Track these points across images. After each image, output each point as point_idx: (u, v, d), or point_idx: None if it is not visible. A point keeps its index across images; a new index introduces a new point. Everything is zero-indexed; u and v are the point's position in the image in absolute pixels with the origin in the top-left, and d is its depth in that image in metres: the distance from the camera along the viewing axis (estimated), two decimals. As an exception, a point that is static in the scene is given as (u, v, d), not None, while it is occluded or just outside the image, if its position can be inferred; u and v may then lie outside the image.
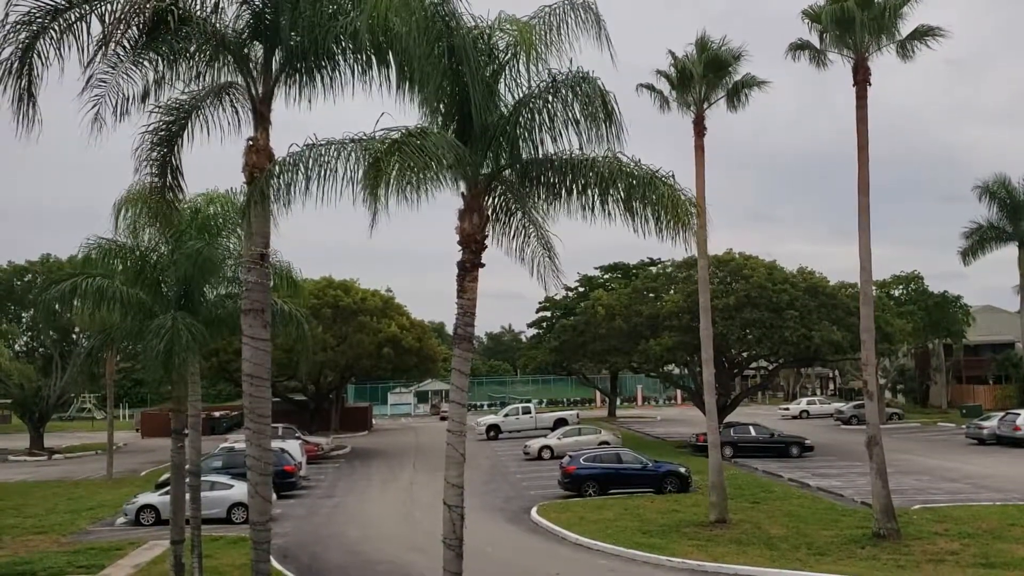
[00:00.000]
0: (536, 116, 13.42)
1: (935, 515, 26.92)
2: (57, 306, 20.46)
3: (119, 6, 12.45)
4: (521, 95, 13.64)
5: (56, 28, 12.41)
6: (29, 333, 59.84)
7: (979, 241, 54.46)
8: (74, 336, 55.77)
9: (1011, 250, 54.37)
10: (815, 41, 26.14)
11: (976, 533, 24.02)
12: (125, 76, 13.55)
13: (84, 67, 12.71)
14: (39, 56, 12.41)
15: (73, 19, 12.49)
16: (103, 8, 12.51)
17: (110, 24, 12.39)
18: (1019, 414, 47.10)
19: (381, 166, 11.77)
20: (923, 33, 25.21)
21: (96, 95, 13.39)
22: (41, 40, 12.37)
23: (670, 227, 13.25)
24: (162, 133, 15.06)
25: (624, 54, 12.56)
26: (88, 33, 12.54)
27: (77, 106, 13.19)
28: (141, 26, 12.75)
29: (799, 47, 26.33)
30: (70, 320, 43.25)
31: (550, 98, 13.24)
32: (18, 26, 12.31)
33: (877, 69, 25.34)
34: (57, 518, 31.02)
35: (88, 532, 28.74)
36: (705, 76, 28.32)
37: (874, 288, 31.73)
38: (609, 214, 13.63)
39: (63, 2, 12.45)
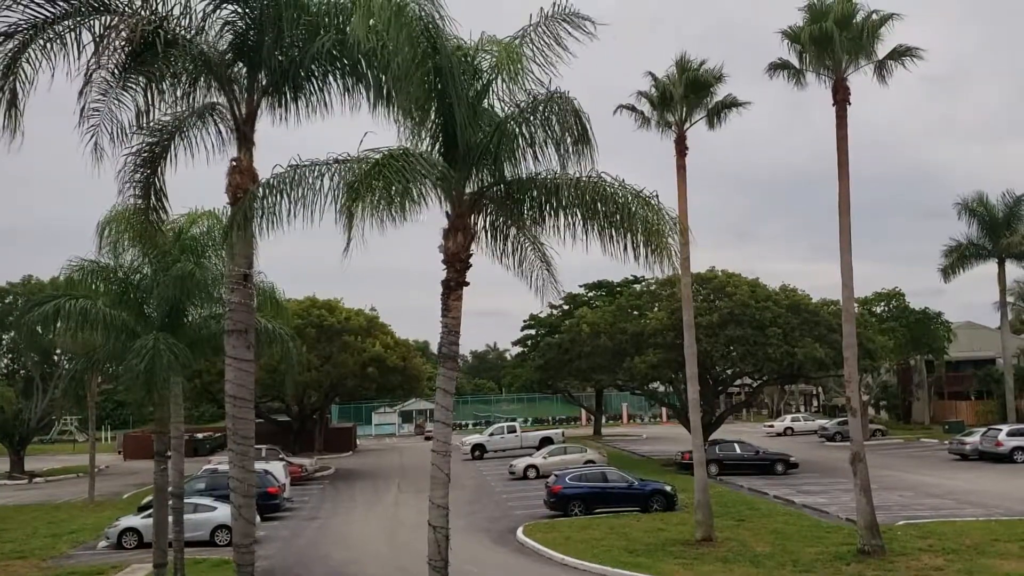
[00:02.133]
0: (519, 135, 13.51)
1: (919, 531, 27.01)
2: (39, 328, 20.37)
3: (108, 20, 12.49)
4: (504, 115, 13.74)
5: (42, 42, 12.41)
6: (10, 355, 59.34)
7: (959, 258, 55.07)
8: (55, 358, 55.34)
9: (991, 267, 55.04)
10: (794, 61, 26.39)
11: (960, 549, 24.10)
12: (117, 102, 13.56)
13: (78, 96, 12.74)
14: (29, 62, 12.41)
15: (62, 31, 12.49)
16: (92, 23, 12.55)
17: (100, 37, 12.42)
18: (1001, 429, 47.35)
19: (360, 188, 11.81)
20: (901, 53, 25.49)
21: (92, 125, 13.40)
22: (28, 52, 12.37)
23: (652, 252, 13.35)
24: (145, 154, 15.07)
25: (607, 78, 12.69)
26: (79, 46, 12.55)
27: (53, 126, 13.24)
28: (128, 48, 12.79)
29: (778, 67, 26.54)
30: (51, 342, 42.95)
31: (531, 117, 13.35)
32: (2, 38, 12.32)
33: (856, 86, 25.64)
34: (38, 542, 30.66)
35: (69, 556, 28.41)
36: (686, 97, 28.56)
37: (856, 305, 31.91)
38: (592, 236, 13.72)
39: (48, 15, 12.45)
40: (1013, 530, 26.62)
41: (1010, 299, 61.49)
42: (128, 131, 13.98)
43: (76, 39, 12.55)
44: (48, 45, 12.47)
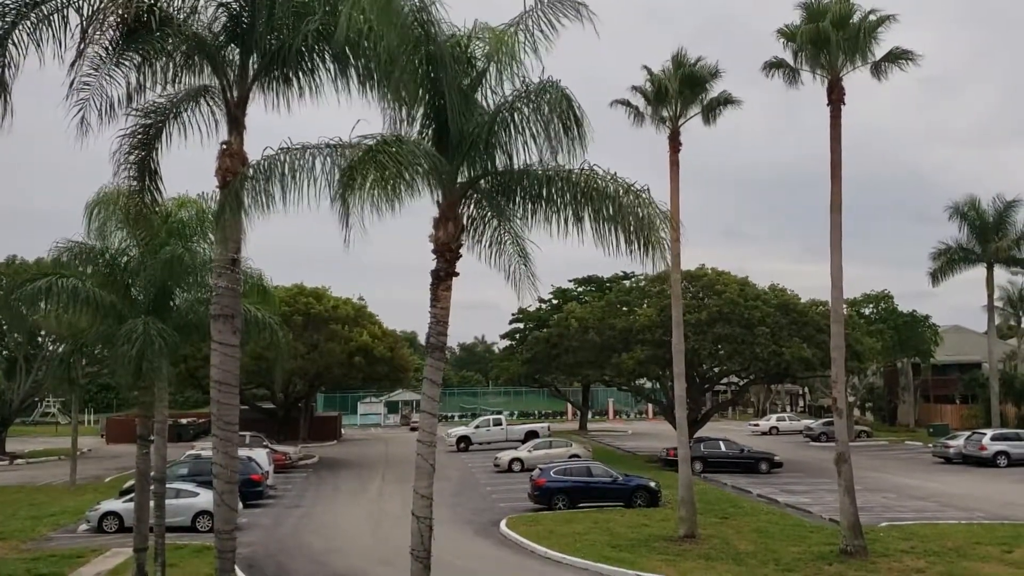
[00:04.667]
0: (511, 125, 13.40)
1: (902, 533, 27.11)
2: (24, 309, 20.17)
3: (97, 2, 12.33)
4: (497, 103, 13.63)
5: (32, 20, 12.23)
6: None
7: (948, 262, 55.25)
8: (39, 339, 54.96)
9: (979, 271, 55.23)
10: (790, 60, 26.36)
11: (942, 551, 24.20)
12: (108, 78, 13.41)
13: (68, 68, 12.57)
14: (15, 45, 12.23)
15: (50, 11, 12.31)
16: (81, 2, 12.37)
17: (89, 18, 12.26)
18: (985, 434, 47.62)
19: (355, 174, 11.70)
20: (897, 56, 25.48)
21: (81, 99, 13.24)
22: (17, 31, 12.19)
23: (643, 247, 13.28)
24: (140, 136, 14.92)
25: (601, 71, 12.61)
26: (67, 24, 12.38)
27: (38, 108, 13.09)
28: (121, 26, 12.64)
29: (774, 65, 26.51)
30: (34, 322, 42.65)
31: (523, 107, 13.23)
32: None
33: (850, 88, 25.64)
34: (17, 524, 30.46)
35: (49, 539, 28.25)
36: (681, 92, 28.46)
37: (845, 306, 31.97)
38: (583, 230, 13.65)
39: None
40: (994, 534, 26.76)
41: (998, 304, 61.72)
42: (118, 108, 13.83)
43: (64, 19, 12.37)
44: (39, 25, 12.29)
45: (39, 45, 12.28)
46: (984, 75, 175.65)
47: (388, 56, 12.26)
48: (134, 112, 14.43)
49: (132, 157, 15.00)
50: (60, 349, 46.67)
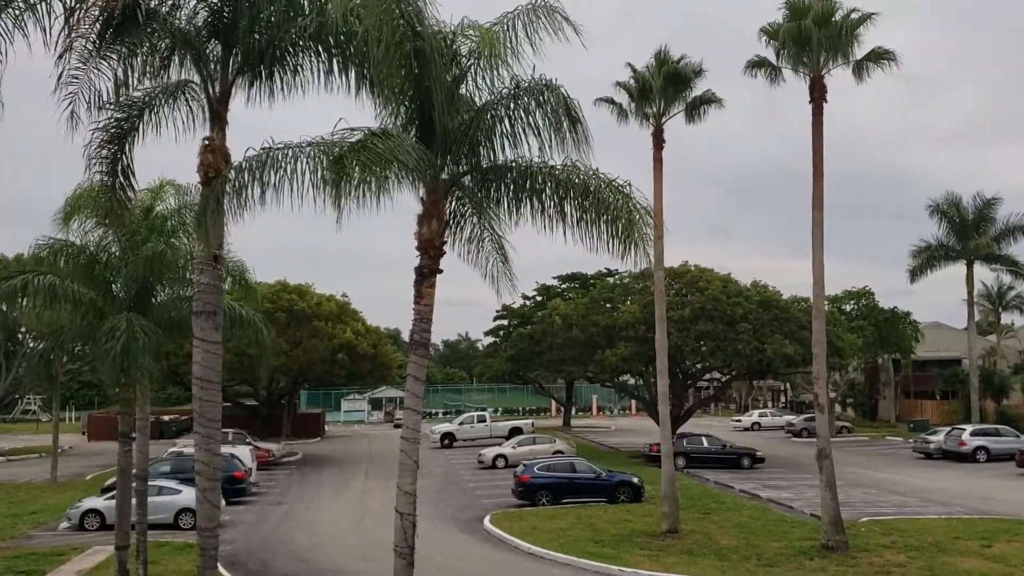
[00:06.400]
0: (498, 122, 13.40)
1: (882, 528, 27.31)
2: (4, 305, 19.97)
3: None
4: (483, 101, 13.62)
5: (17, 7, 12.07)
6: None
7: (928, 259, 55.63)
8: (19, 336, 54.47)
9: (959, 268, 55.63)
10: (772, 58, 26.50)
11: (922, 546, 24.40)
12: (96, 72, 13.27)
13: (56, 60, 12.44)
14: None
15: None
16: None
17: (72, 8, 12.13)
18: (964, 429, 48.04)
19: (345, 163, 11.67)
20: (878, 55, 25.66)
21: (70, 93, 13.09)
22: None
23: (625, 241, 13.30)
24: (113, 130, 14.68)
25: (579, 67, 12.62)
26: (51, 13, 12.23)
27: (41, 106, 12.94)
28: (107, 18, 12.53)
29: (756, 64, 26.66)
30: (15, 320, 42.29)
31: (512, 105, 13.23)
32: None
33: (836, 88, 25.85)
34: (-2, 522, 30.26)
35: (30, 537, 28.05)
36: (665, 89, 28.56)
37: (826, 303, 32.15)
38: (566, 225, 13.65)
39: None
40: (973, 528, 27.00)
41: (977, 300, 62.25)
42: (106, 101, 13.66)
43: (48, 7, 12.22)
44: (23, 12, 12.13)
45: (25, 34, 12.11)
46: (967, 76, 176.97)
47: (383, 54, 12.22)
48: (108, 106, 14.23)
49: (104, 152, 14.68)
50: (40, 346, 46.25)
